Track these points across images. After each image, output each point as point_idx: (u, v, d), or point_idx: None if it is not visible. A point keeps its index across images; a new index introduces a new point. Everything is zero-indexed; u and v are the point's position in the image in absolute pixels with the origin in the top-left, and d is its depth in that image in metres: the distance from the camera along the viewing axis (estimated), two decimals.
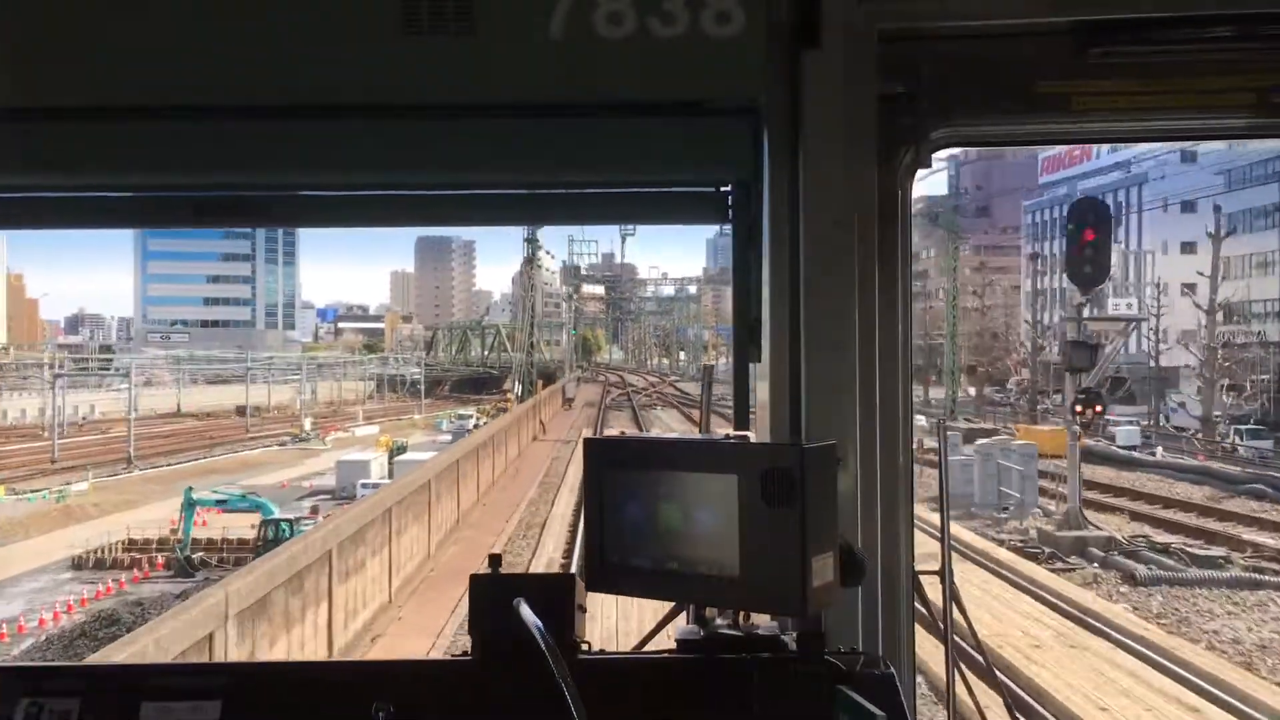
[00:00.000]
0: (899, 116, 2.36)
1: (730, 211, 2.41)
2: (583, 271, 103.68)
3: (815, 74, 2.22)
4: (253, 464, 51.13)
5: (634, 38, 2.21)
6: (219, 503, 29.99)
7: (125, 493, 40.26)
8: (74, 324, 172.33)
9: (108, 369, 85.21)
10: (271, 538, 26.52)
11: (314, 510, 35.89)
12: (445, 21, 2.22)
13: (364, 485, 35.48)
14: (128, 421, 50.00)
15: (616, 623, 14.05)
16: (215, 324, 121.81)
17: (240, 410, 78.03)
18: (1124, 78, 2.39)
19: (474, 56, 2.22)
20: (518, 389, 69.16)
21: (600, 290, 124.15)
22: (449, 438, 52.32)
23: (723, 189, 2.43)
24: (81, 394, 72.31)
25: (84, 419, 66.51)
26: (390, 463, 43.62)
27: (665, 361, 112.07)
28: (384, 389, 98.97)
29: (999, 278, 79.54)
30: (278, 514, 28.62)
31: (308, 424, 63.89)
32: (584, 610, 1.88)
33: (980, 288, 75.35)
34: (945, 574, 2.28)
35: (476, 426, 50.56)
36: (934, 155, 2.43)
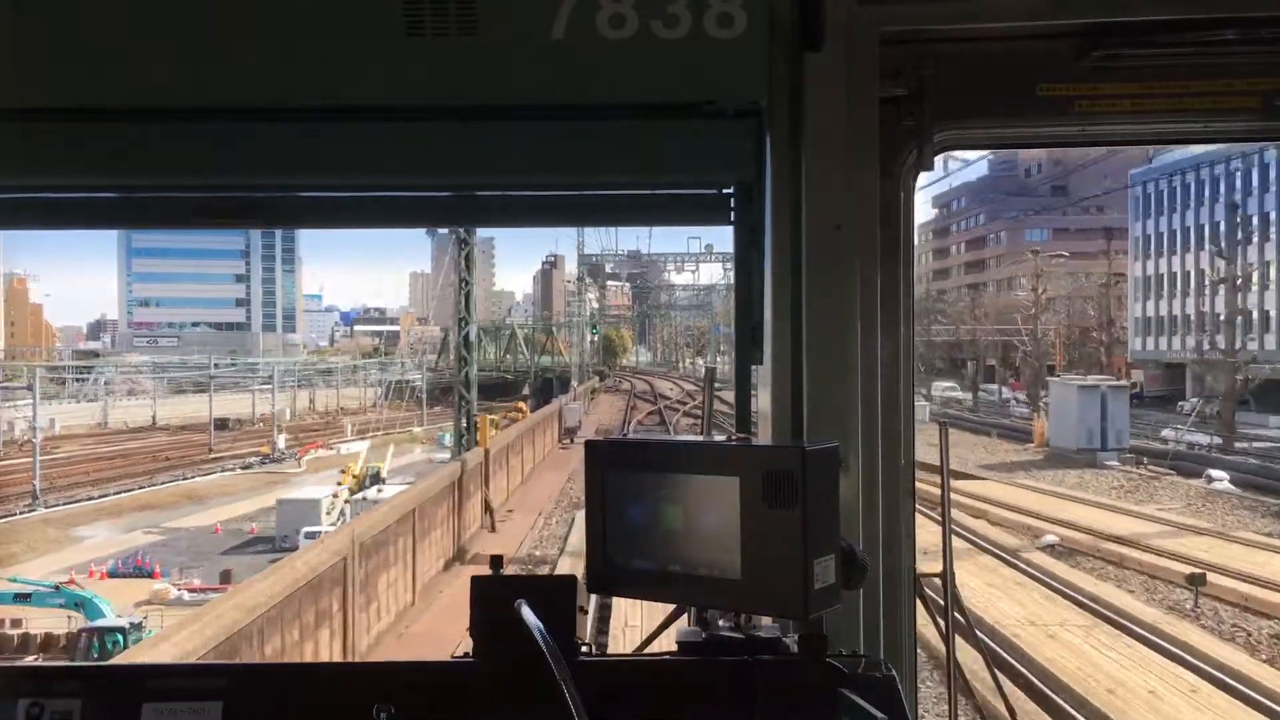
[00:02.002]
0: (901, 119, 2.45)
1: (732, 214, 2.48)
2: (607, 267, 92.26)
3: (817, 76, 2.30)
4: (198, 495, 43.97)
5: (636, 40, 2.28)
6: (18, 598, 19.39)
7: (4, 543, 29.87)
8: (96, 329, 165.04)
9: (85, 377, 75.56)
10: (97, 656, 15.79)
11: (225, 577, 24.66)
12: (448, 23, 2.30)
13: (307, 535, 28.01)
14: (34, 444, 39.75)
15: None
16: (205, 326, 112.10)
17: (220, 423, 71.37)
18: (1126, 81, 2.47)
19: (476, 58, 2.31)
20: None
21: (624, 286, 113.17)
22: (448, 455, 42.57)
23: (725, 191, 2.50)
24: (43, 406, 62.76)
25: (26, 437, 56.59)
26: (351, 499, 32.79)
27: (700, 362, 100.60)
28: (390, 396, 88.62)
29: (1083, 265, 67.63)
30: (111, 618, 17.90)
31: (281, 441, 56.67)
32: (585, 612, 1.95)
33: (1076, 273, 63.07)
34: (947, 576, 2.34)
35: None
36: (936, 158, 2.52)
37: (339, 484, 40.25)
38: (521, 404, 66.30)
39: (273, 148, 2.40)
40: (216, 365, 73.11)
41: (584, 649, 1.90)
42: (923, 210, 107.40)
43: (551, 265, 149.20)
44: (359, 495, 36.68)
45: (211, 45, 2.29)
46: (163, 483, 45.61)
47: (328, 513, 32.72)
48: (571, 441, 47.94)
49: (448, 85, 2.31)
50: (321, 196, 2.57)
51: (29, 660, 21.22)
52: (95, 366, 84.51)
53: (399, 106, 2.35)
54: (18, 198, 2.50)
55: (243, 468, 51.00)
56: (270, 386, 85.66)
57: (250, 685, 1.92)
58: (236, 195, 2.52)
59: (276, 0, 2.30)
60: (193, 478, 47.51)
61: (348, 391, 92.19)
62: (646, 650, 2.16)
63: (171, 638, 11.61)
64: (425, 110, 2.35)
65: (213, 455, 55.03)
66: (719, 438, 1.98)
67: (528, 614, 1.78)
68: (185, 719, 1.84)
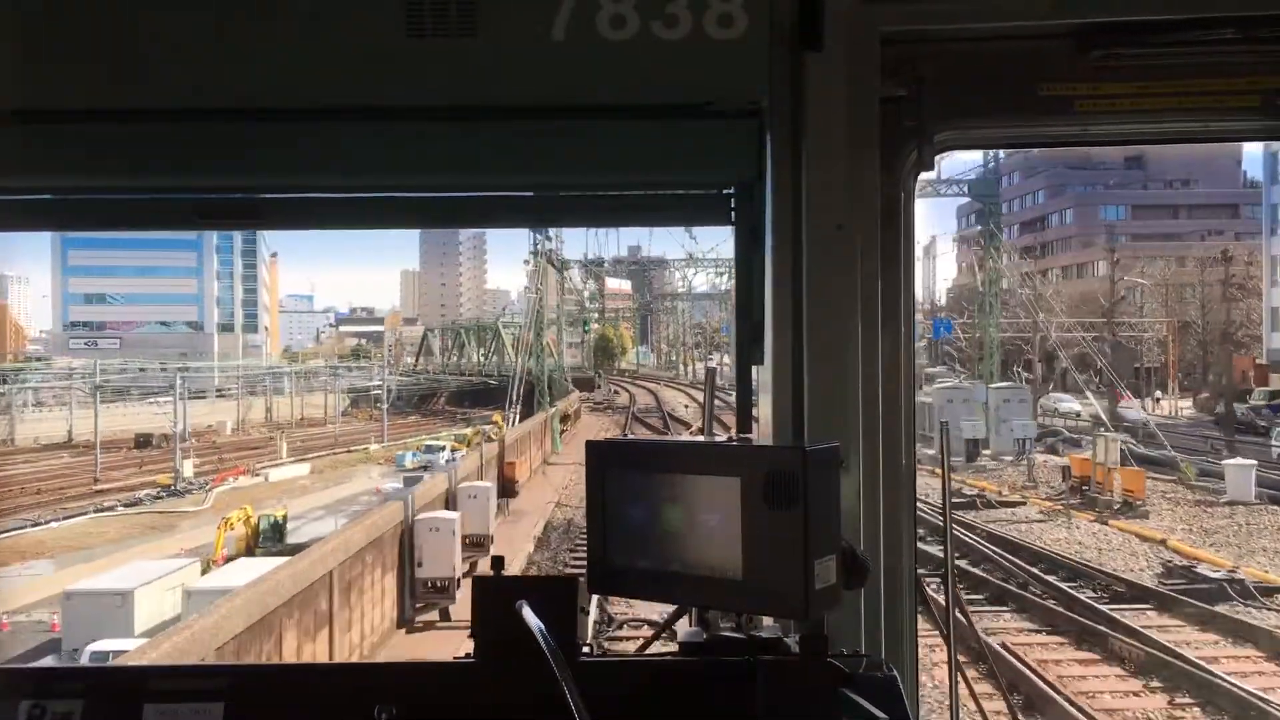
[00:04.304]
0: (901, 119, 2.52)
1: (733, 214, 2.56)
2: (605, 262, 79.80)
3: (818, 76, 2.37)
4: (40, 551, 32.87)
5: (636, 40, 2.36)
6: None
7: None
8: None
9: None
10: None
11: None
12: (448, 24, 2.37)
13: (95, 655, 17.88)
14: None
15: None
16: (166, 326, 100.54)
17: (143, 439, 61.63)
18: (1126, 80, 2.53)
19: (476, 59, 2.39)
20: None
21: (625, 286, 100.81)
22: (399, 484, 34.11)
23: (725, 191, 2.58)
24: None
25: None
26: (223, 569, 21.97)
27: (713, 367, 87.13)
28: (353, 405, 78.09)
29: (1160, 248, 55.77)
30: None
31: (188, 468, 46.18)
32: (586, 612, 2.04)
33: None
34: (948, 577, 2.40)
35: (450, 462, 35.24)
36: (936, 157, 2.60)
37: (231, 536, 29.04)
38: (499, 417, 53.61)
39: (273, 148, 2.48)
40: (103, 371, 61.49)
41: (585, 650, 1.98)
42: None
43: (560, 267, 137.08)
44: (236, 563, 24.92)
45: (211, 46, 2.39)
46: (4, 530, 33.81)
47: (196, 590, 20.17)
48: (445, 617, 20.36)
49: (448, 86, 2.40)
50: (321, 197, 2.65)
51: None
52: (21, 372, 72.80)
53: (399, 107, 2.44)
54: (18, 199, 2.60)
55: (126, 505, 40.94)
56: (230, 392, 74.19)
57: (252, 686, 1.99)
58: (237, 196, 2.62)
59: (277, 0, 2.41)
60: (47, 522, 36.53)
61: (316, 399, 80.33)
62: (648, 651, 2.23)
63: None
64: (425, 110, 2.44)
65: (98, 487, 45.40)
66: (720, 438, 2.05)
67: (529, 615, 1.83)
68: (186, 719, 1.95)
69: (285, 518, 31.30)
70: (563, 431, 48.71)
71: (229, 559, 28.31)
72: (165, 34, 2.36)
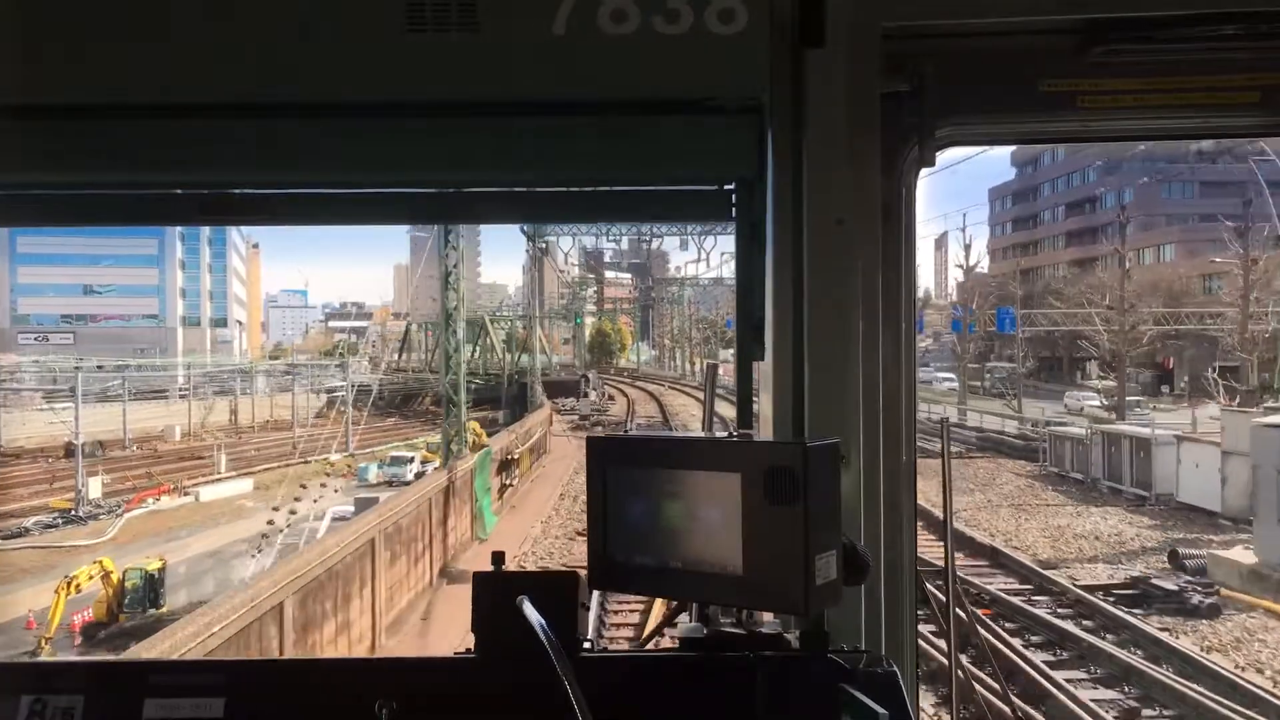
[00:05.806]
0: (903, 115, 2.57)
1: (733, 210, 2.61)
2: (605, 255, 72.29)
3: (819, 72, 2.42)
4: None
5: (637, 35, 2.40)
6: None
7: None
8: None
9: None
10: None
11: None
12: (449, 19, 2.42)
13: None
14: None
15: None
16: (102, 320, 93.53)
17: (71, 449, 51.31)
18: (1128, 76, 2.57)
19: (478, 54, 2.44)
20: None
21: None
22: (350, 509, 28.99)
23: (726, 187, 2.63)
24: None
25: None
26: None
27: (714, 363, 78.72)
28: (338, 405, 71.04)
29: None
30: None
31: (95, 488, 38.87)
32: (587, 608, 2.10)
33: None
34: (949, 573, 2.43)
35: (420, 475, 32.20)
36: (938, 153, 2.67)
37: (88, 595, 22.49)
38: (477, 425, 45.58)
39: (275, 144, 2.51)
40: (51, 369, 55.55)
41: (586, 645, 2.03)
42: (998, 171, 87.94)
43: (543, 251, 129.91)
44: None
45: (212, 42, 2.43)
46: None
47: None
48: None
49: (449, 80, 2.43)
50: (323, 193, 2.69)
51: None
52: None
53: (400, 103, 2.48)
54: (20, 194, 2.63)
55: (6, 537, 33.66)
56: (196, 392, 67.77)
57: (253, 681, 2.02)
58: (238, 192, 2.64)
59: None
60: None
61: (283, 399, 73.30)
62: (648, 646, 2.22)
63: None
64: (426, 106, 2.49)
65: None
66: (720, 434, 2.09)
67: (529, 610, 1.86)
68: (188, 714, 1.92)
69: (162, 570, 24.62)
70: (506, 487, 31.96)
71: (91, 624, 21.23)
72: (165, 30, 2.40)
